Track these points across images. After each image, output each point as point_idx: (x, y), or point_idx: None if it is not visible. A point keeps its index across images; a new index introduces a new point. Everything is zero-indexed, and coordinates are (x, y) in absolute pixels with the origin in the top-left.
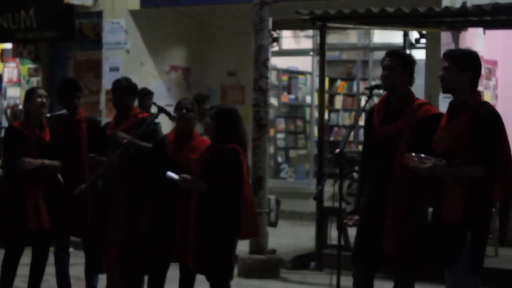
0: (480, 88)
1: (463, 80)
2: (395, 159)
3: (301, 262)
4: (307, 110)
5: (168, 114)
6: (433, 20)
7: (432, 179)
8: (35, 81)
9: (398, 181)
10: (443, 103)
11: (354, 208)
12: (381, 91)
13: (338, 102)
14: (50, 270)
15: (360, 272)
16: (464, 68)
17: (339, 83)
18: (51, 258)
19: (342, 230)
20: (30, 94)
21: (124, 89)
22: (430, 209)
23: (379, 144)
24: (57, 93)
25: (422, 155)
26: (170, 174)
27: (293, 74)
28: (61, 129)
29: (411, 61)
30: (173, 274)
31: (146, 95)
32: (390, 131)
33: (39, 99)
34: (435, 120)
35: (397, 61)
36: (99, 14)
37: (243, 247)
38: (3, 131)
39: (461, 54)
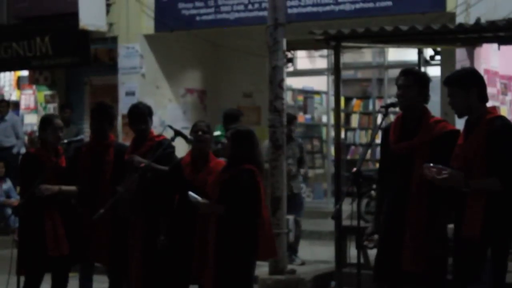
0: (496, 103)
1: (472, 99)
2: (412, 176)
3: (321, 281)
4: (324, 130)
5: (184, 137)
6: (447, 37)
7: (450, 195)
8: (52, 107)
9: (416, 199)
10: (460, 120)
11: (374, 229)
12: (397, 109)
13: (354, 120)
14: None
15: None
16: (468, 87)
17: (354, 101)
18: (70, 283)
19: (361, 248)
20: (46, 124)
21: (142, 114)
22: (450, 226)
23: (396, 162)
24: (90, 116)
25: (440, 166)
26: (193, 195)
27: (308, 94)
28: (88, 153)
29: (425, 79)
30: None
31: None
32: (407, 148)
33: (55, 134)
34: (451, 136)
35: (412, 79)
36: (114, 39)
37: (263, 267)
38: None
39: (460, 75)
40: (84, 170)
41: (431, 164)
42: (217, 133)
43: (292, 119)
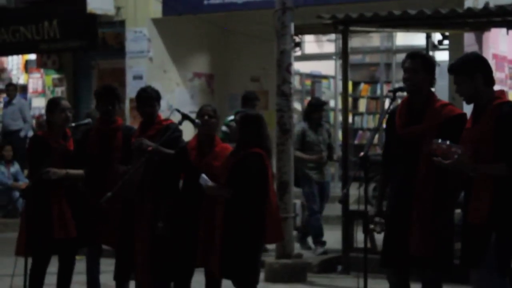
0: (504, 88)
1: (478, 84)
2: (419, 161)
3: (328, 265)
4: (331, 114)
5: (191, 120)
6: (455, 22)
7: (457, 179)
8: (59, 91)
9: (423, 183)
10: (468, 105)
11: (377, 210)
12: (405, 94)
13: (362, 105)
14: (77, 278)
15: (393, 275)
16: (473, 73)
17: (362, 86)
18: (77, 266)
19: (368, 233)
20: (53, 106)
21: (150, 98)
22: (458, 211)
23: (402, 147)
24: (96, 99)
25: (449, 143)
26: (204, 177)
27: (316, 78)
28: (96, 137)
29: (432, 63)
30: (198, 280)
31: None
32: (414, 132)
33: (63, 114)
34: (459, 120)
35: (419, 63)
36: (122, 23)
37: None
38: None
39: (464, 62)
40: (92, 153)
41: (440, 140)
42: (231, 117)
43: (322, 104)
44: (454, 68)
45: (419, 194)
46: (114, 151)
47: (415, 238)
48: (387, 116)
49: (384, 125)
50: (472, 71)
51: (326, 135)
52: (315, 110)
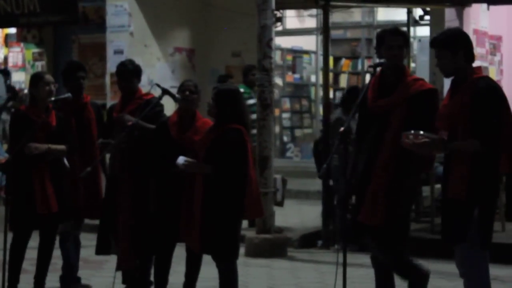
0: (484, 63)
1: (459, 59)
2: (386, 133)
3: (308, 240)
4: (312, 89)
5: (172, 95)
6: None
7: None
8: (40, 65)
9: (386, 153)
10: (448, 80)
11: (349, 189)
12: None
13: (343, 80)
14: (57, 253)
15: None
16: (455, 48)
17: (343, 61)
18: (58, 241)
19: (347, 208)
20: (37, 80)
21: (129, 72)
22: (438, 186)
23: (373, 120)
24: (62, 76)
25: (418, 132)
26: (181, 158)
27: (297, 53)
28: (69, 112)
29: (408, 38)
30: (179, 255)
31: None
32: (384, 105)
33: (47, 87)
34: (429, 95)
35: (402, 40)
36: None
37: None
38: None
39: (447, 37)
40: (70, 128)
41: (412, 131)
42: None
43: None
44: (437, 42)
45: (380, 163)
46: (90, 124)
47: (366, 207)
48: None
49: None
50: (455, 47)
51: None
52: (353, 98)
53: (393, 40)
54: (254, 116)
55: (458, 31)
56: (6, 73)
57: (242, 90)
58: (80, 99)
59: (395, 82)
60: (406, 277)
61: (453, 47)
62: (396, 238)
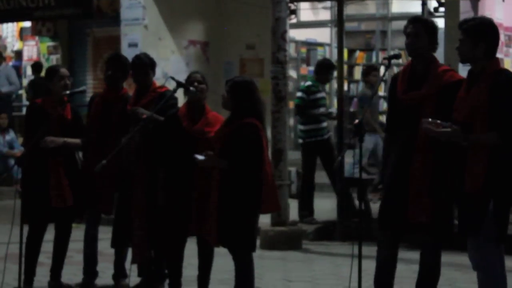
0: (500, 55)
1: (478, 52)
2: (419, 126)
3: (323, 233)
4: None
5: (186, 88)
6: None
7: (455, 149)
8: (54, 58)
9: (422, 150)
10: (463, 72)
11: (380, 180)
12: (400, 61)
13: (357, 73)
14: (73, 246)
15: (385, 239)
16: (478, 40)
17: (358, 54)
18: (74, 234)
19: (363, 200)
20: (52, 74)
21: (144, 65)
22: None
23: (403, 112)
24: (106, 65)
25: (438, 121)
26: (197, 156)
27: (311, 46)
28: (100, 103)
29: (434, 27)
30: (193, 248)
31: None
32: (415, 98)
33: (63, 81)
34: (459, 86)
35: (421, 27)
36: None
37: (265, 219)
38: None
39: (474, 25)
40: (94, 119)
41: (430, 119)
42: (308, 83)
43: (375, 68)
44: (463, 26)
45: (418, 161)
46: (115, 118)
47: (413, 207)
48: (383, 83)
49: (380, 93)
50: (478, 38)
51: None
52: (370, 71)
53: (408, 28)
54: (322, 110)
55: (488, 23)
56: (38, 68)
57: (310, 82)
58: (113, 91)
59: (424, 73)
60: (437, 276)
61: (476, 37)
62: (443, 235)
